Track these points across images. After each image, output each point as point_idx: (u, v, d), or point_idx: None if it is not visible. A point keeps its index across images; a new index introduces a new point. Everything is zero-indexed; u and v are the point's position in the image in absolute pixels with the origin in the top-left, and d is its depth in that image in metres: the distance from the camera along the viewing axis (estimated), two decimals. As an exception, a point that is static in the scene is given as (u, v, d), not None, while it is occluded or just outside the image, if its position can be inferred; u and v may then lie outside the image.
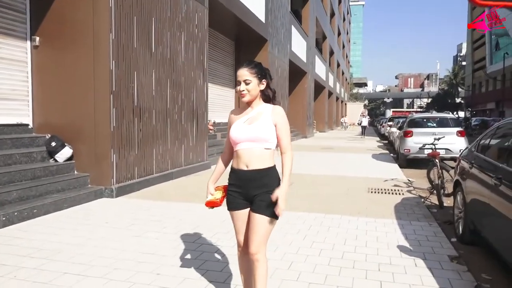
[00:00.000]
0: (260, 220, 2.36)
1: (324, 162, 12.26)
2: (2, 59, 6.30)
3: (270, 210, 2.37)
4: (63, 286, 3.12)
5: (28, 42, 6.67)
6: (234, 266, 3.54)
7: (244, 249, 2.50)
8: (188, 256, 3.82)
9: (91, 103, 6.39)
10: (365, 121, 30.26)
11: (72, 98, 6.49)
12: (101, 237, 4.36)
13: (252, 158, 2.38)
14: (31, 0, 6.65)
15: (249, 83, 2.39)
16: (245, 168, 2.40)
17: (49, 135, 6.55)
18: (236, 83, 2.46)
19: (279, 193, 2.33)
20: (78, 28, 6.40)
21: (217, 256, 3.83)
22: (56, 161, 6.34)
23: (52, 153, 6.34)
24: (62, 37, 6.51)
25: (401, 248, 4.14)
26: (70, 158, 6.49)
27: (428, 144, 8.06)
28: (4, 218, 4.67)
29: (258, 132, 2.37)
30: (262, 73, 2.43)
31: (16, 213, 4.84)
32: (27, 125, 6.73)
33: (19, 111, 6.64)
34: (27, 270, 3.41)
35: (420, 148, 8.83)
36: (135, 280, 3.25)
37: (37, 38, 6.60)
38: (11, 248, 3.98)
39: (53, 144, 6.35)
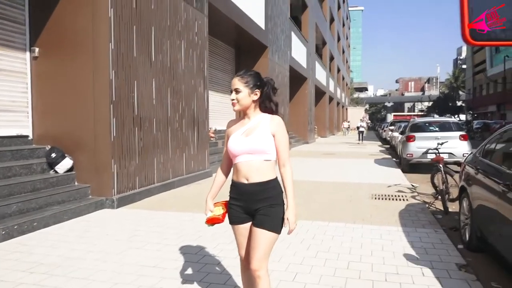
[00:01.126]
0: (262, 235, 2.28)
1: (326, 168, 12.18)
2: (2, 70, 6.27)
3: (272, 224, 2.29)
4: (62, 303, 3.05)
5: (28, 53, 6.64)
6: (238, 278, 3.46)
7: (246, 264, 2.43)
8: (190, 269, 3.74)
9: (91, 113, 6.35)
10: (363, 126, 29.29)
11: (72, 109, 6.45)
12: (102, 250, 4.29)
13: (251, 171, 2.30)
14: (30, 11, 6.64)
15: (239, 92, 2.33)
16: (245, 182, 2.32)
17: (49, 146, 6.50)
18: None
19: (289, 215, 2.29)
20: (77, 39, 6.37)
21: (220, 268, 3.76)
22: (56, 172, 6.29)
23: (52, 164, 6.29)
24: (61, 47, 6.49)
25: (408, 257, 4.06)
26: (70, 169, 6.44)
27: (432, 149, 8.00)
28: (3, 232, 4.60)
29: (256, 143, 2.28)
30: (256, 83, 2.35)
31: (16, 227, 4.77)
32: (27, 136, 6.69)
33: (19, 123, 6.60)
34: (27, 286, 3.34)
35: (423, 153, 8.74)
36: (136, 294, 3.18)
37: (37, 49, 6.58)
38: (11, 263, 3.92)
39: (53, 155, 6.29)
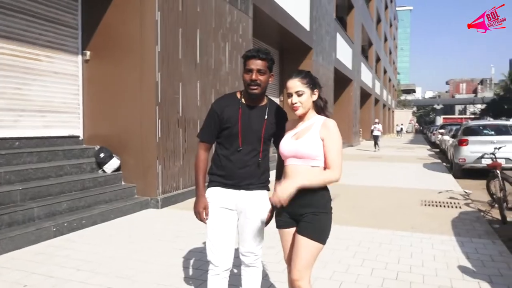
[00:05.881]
0: (304, 243, 2.15)
1: (372, 172, 11.79)
2: (55, 73, 6.56)
3: (315, 233, 2.16)
4: (107, 301, 3.08)
5: (79, 56, 6.91)
6: (279, 284, 3.37)
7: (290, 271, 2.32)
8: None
9: (137, 115, 6.49)
10: (378, 129, 21.69)
11: (120, 110, 6.63)
12: (146, 250, 4.33)
13: (298, 176, 2.18)
14: (82, 16, 6.90)
15: (301, 95, 2.20)
16: None
17: (98, 147, 6.71)
18: (287, 95, 2.26)
19: (285, 182, 2.10)
20: (126, 42, 6.55)
21: (262, 273, 3.66)
22: (104, 172, 6.48)
23: (100, 164, 6.49)
24: (111, 51, 6.69)
25: (463, 269, 3.78)
26: (117, 169, 6.61)
27: (487, 154, 7.50)
28: (54, 229, 4.78)
29: (303, 148, 2.17)
30: (314, 82, 2.26)
31: (66, 224, 4.94)
32: (78, 136, 6.95)
33: (70, 123, 6.87)
34: (74, 284, 3.42)
35: (478, 158, 8.23)
36: (178, 297, 3.16)
37: (88, 53, 6.83)
38: (60, 259, 4.04)
39: (102, 155, 6.49)
